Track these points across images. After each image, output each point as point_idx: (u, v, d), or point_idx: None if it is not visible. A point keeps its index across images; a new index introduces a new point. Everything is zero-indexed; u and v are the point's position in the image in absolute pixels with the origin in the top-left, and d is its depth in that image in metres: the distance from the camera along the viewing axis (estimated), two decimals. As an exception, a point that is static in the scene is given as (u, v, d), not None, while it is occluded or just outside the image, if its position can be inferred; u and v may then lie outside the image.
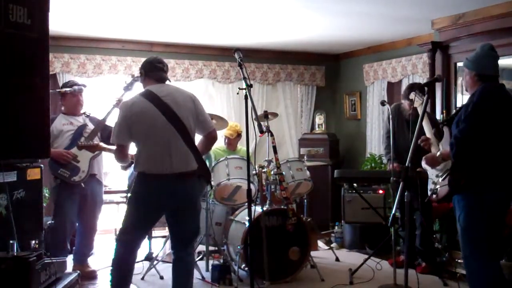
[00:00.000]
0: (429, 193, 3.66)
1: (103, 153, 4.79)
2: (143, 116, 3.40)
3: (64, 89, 4.68)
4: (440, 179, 3.51)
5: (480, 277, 3.37)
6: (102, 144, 4.49)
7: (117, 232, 3.53)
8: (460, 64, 5.32)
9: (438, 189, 3.52)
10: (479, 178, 3.29)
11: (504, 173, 3.31)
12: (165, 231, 5.69)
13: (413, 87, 5.00)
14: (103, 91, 6.58)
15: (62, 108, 4.81)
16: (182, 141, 3.41)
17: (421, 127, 3.60)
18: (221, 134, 5.87)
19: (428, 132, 3.75)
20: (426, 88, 3.73)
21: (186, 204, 3.47)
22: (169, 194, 3.39)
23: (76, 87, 4.66)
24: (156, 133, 3.39)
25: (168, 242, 5.31)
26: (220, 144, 5.89)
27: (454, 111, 4.98)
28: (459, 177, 3.34)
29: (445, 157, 3.45)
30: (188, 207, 3.49)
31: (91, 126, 4.68)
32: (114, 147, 3.61)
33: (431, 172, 3.66)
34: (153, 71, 3.59)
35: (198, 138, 3.65)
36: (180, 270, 3.56)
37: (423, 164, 3.69)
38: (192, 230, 3.60)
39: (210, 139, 3.67)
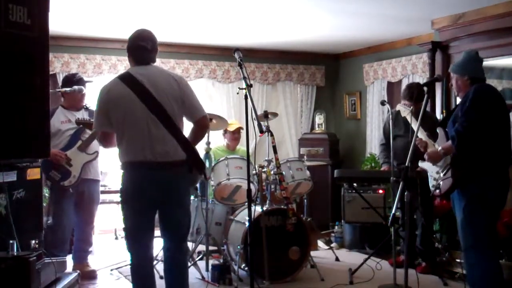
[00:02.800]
0: (431, 189, 3.69)
1: (102, 153, 4.80)
2: (119, 102, 3.16)
3: (64, 89, 4.64)
4: (442, 174, 3.56)
5: (480, 269, 3.41)
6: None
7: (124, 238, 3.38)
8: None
9: (441, 183, 3.56)
10: (481, 168, 3.40)
11: (502, 162, 3.45)
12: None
13: (411, 87, 5.03)
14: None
15: (62, 101, 4.71)
16: (163, 128, 3.15)
17: (418, 128, 3.67)
18: (220, 135, 5.87)
19: (421, 135, 3.81)
20: (425, 88, 3.77)
21: (171, 196, 3.23)
22: (153, 184, 3.15)
23: (76, 87, 4.61)
24: (134, 120, 3.15)
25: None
26: (219, 144, 5.89)
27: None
28: (462, 168, 3.43)
29: (446, 150, 3.53)
30: (174, 200, 3.25)
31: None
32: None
33: (432, 169, 3.69)
34: (135, 50, 3.27)
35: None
36: (173, 274, 3.34)
37: (421, 163, 3.76)
38: (182, 226, 3.33)
39: (200, 126, 3.34)
